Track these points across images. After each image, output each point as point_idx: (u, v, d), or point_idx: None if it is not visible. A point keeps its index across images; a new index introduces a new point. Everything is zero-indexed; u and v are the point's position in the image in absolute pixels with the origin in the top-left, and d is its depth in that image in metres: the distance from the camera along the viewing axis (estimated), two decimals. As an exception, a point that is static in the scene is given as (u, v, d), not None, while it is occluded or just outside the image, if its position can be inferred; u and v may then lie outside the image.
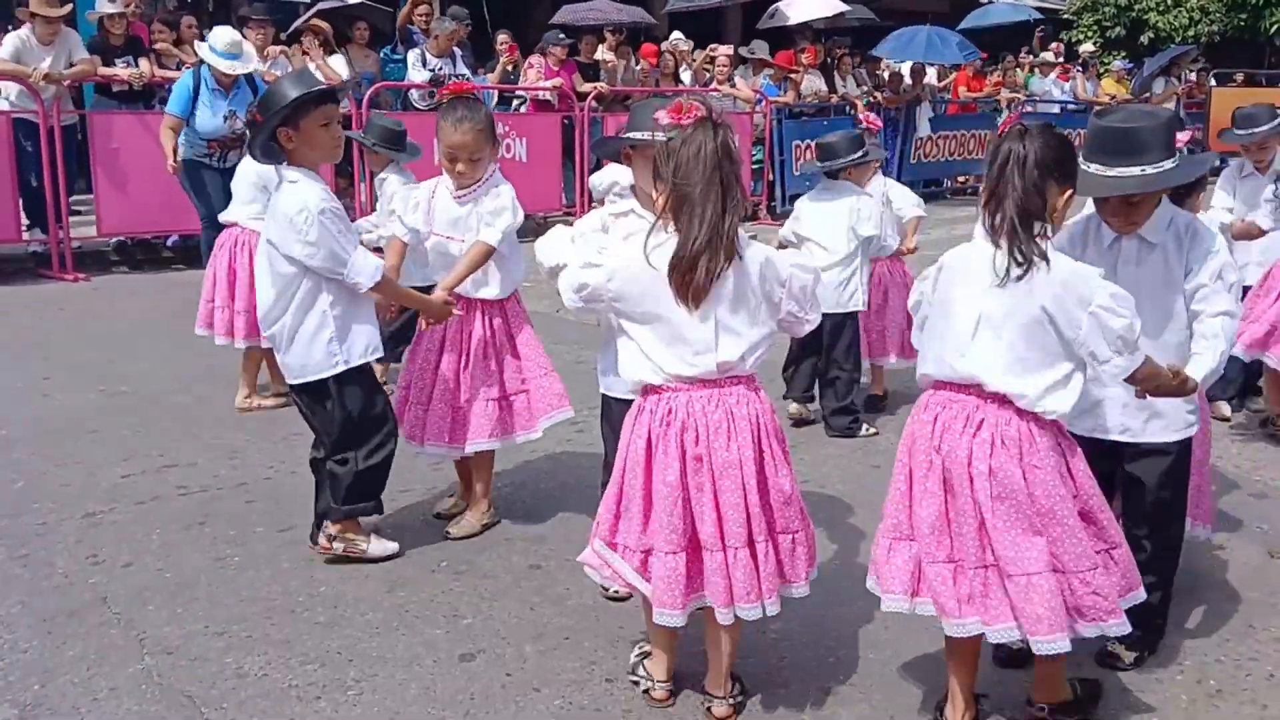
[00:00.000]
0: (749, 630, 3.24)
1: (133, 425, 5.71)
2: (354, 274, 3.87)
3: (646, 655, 3.29)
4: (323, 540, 4.10)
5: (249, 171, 5.85)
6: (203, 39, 8.84)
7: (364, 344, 3.99)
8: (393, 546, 4.17)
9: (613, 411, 3.58)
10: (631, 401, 3.10)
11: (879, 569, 3.02)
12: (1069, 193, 2.85)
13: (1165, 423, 3.33)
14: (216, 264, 6.00)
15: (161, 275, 9.67)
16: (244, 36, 9.74)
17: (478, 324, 4.28)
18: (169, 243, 10.25)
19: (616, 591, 3.53)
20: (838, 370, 5.77)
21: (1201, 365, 3.11)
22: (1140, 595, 2.96)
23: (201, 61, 8.22)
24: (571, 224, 3.83)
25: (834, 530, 4.36)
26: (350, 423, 4.00)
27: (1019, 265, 2.75)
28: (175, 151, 8.13)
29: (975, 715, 3.08)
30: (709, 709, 3.17)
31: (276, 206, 3.86)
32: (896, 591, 2.97)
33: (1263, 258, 5.72)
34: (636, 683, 3.27)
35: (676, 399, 2.95)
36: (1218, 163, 7.83)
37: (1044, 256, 2.76)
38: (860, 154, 5.63)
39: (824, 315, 5.37)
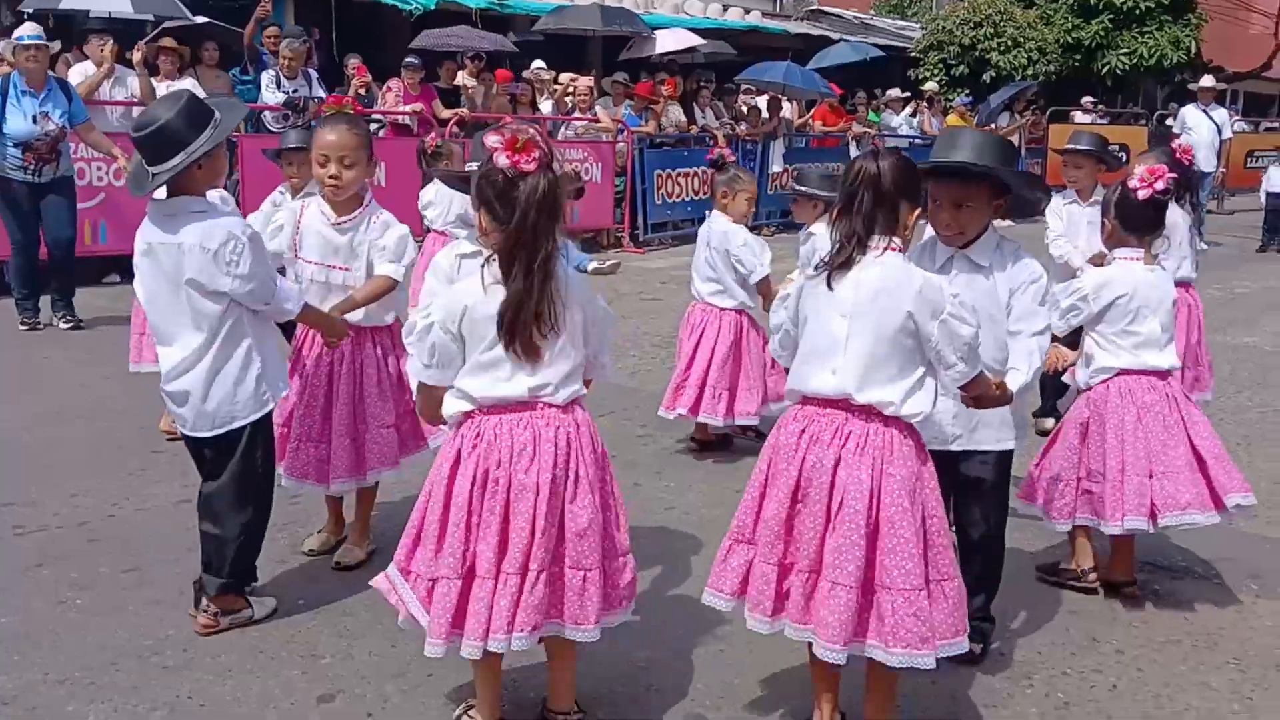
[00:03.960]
0: (615, 657, 3.21)
1: (-36, 463, 5.38)
2: (282, 299, 3.64)
3: (471, 708, 3.19)
4: (205, 619, 3.70)
5: None
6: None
7: (279, 377, 3.76)
8: (271, 603, 3.89)
9: None
10: None
11: (714, 568, 3.09)
12: (918, 211, 2.99)
13: (990, 433, 3.55)
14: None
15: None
16: (84, 53, 9.43)
17: (368, 351, 4.22)
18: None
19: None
20: None
21: (1017, 378, 3.34)
22: (962, 645, 2.95)
23: (12, 68, 7.94)
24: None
25: (697, 556, 4.37)
26: (253, 474, 3.69)
27: (843, 255, 2.87)
28: None
29: None
30: None
31: (187, 241, 3.43)
32: (724, 591, 3.06)
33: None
34: None
35: (486, 422, 2.93)
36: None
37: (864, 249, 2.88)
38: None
39: None
